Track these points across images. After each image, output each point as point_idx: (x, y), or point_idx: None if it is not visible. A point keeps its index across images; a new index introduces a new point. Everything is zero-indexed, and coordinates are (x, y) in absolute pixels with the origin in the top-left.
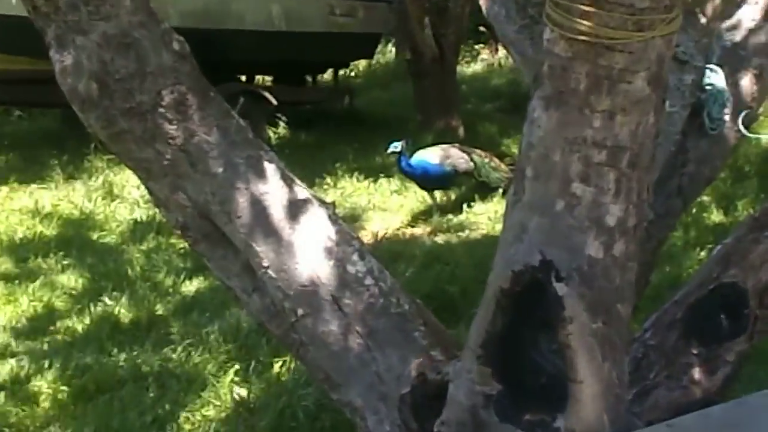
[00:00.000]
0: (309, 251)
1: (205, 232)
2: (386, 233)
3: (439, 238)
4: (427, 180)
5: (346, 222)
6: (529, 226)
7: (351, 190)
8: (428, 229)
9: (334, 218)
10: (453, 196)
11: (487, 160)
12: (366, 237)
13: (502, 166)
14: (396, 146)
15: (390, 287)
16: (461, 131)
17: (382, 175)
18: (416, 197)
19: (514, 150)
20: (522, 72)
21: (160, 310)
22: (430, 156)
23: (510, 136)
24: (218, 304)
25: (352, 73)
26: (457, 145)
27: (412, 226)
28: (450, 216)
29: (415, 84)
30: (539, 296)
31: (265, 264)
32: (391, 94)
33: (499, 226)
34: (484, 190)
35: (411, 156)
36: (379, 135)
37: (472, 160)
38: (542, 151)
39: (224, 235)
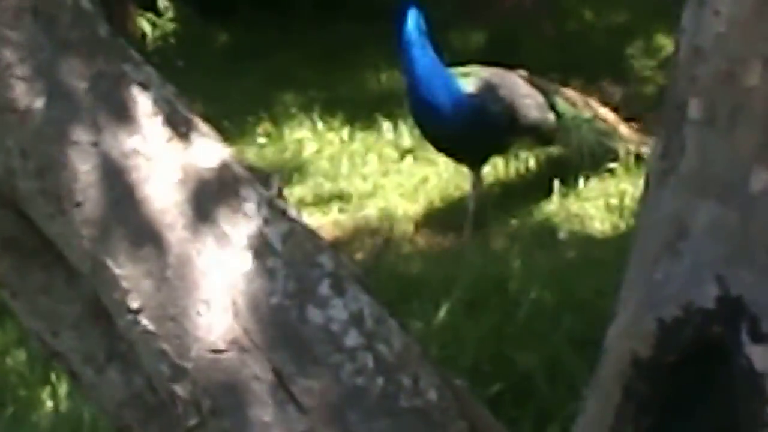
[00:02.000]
0: (225, 276)
1: (4, 235)
2: (390, 237)
3: (500, 246)
4: (445, 122)
5: (306, 215)
6: (694, 223)
7: (316, 146)
8: (475, 230)
9: (278, 207)
10: (531, 162)
11: (586, 114)
12: (350, 245)
13: (621, 127)
14: None
15: (399, 353)
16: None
17: (380, 114)
18: (451, 164)
19: (652, 75)
20: None
21: None
22: (466, 80)
23: (645, 36)
24: (33, 384)
25: None
26: (525, 73)
27: (446, 225)
28: (522, 202)
29: None
30: (715, 373)
31: (135, 304)
32: None
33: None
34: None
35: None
36: (375, 27)
37: (552, 106)
38: (722, 65)
39: (47, 243)
